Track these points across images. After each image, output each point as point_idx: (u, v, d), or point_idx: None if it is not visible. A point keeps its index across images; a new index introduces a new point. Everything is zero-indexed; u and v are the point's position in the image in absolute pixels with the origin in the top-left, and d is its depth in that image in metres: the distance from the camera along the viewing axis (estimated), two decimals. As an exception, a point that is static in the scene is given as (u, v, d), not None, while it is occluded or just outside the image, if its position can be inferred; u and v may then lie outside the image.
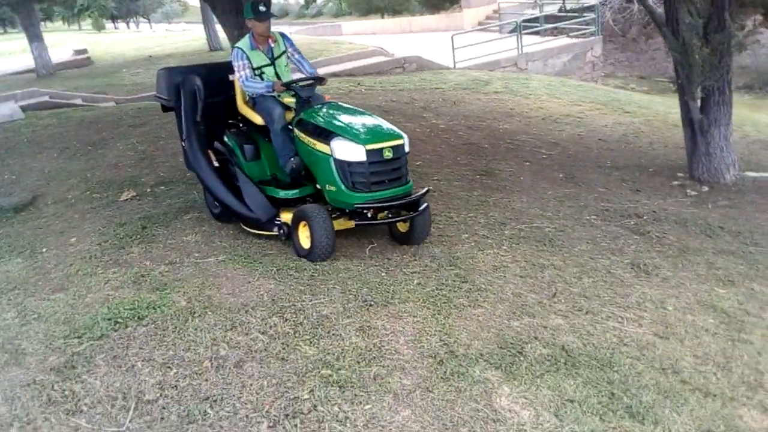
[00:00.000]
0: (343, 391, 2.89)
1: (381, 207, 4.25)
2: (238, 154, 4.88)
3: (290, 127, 4.62)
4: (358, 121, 4.42)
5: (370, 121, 4.48)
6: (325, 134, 4.24)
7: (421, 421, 2.70)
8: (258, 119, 4.82)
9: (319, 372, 3.03)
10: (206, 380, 3.00)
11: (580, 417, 2.72)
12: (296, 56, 5.03)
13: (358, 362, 3.11)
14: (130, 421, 2.73)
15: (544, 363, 3.11)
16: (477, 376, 2.99)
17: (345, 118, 4.42)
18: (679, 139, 7.49)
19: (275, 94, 4.75)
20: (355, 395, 2.87)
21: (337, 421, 2.71)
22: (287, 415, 2.75)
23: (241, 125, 5.11)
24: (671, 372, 3.10)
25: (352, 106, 4.75)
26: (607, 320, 3.58)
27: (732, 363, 3.22)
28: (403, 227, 4.54)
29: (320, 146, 4.26)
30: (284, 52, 4.95)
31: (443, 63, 15.09)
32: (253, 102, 4.87)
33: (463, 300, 3.73)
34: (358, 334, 3.37)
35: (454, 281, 3.95)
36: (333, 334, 3.37)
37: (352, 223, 4.43)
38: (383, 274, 4.07)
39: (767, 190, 6.30)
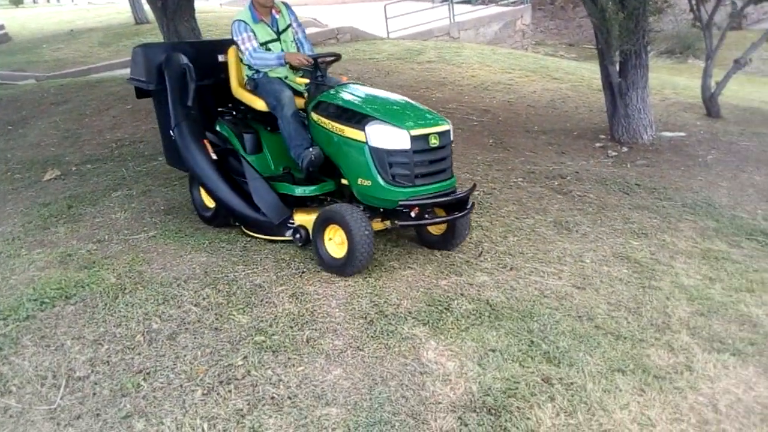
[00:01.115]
0: (277, 356, 2.97)
1: (427, 205, 3.65)
2: (236, 146, 4.25)
3: (301, 113, 4.10)
4: (394, 104, 3.83)
5: (407, 103, 3.89)
6: (358, 118, 3.63)
7: (351, 378, 2.80)
8: (260, 104, 4.20)
9: (253, 339, 3.09)
10: (139, 354, 3.01)
11: (501, 364, 2.89)
12: (299, 35, 4.48)
13: (291, 327, 3.18)
14: (61, 399, 2.72)
15: (470, 317, 3.27)
16: (405, 332, 3.12)
17: (378, 100, 3.84)
18: (603, 103, 7.78)
19: (281, 75, 4.24)
20: (288, 358, 2.95)
21: (271, 384, 2.78)
22: (221, 382, 2.80)
23: (234, 112, 4.49)
24: (586, 319, 3.32)
25: (377, 89, 4.14)
26: (529, 275, 3.77)
27: (642, 308, 3.46)
28: (437, 230, 4.02)
29: (350, 132, 3.64)
30: (289, 26, 4.41)
31: (377, 33, 15.03)
32: (254, 85, 4.29)
33: (394, 263, 3.84)
34: (291, 300, 3.43)
35: (385, 245, 4.06)
36: (266, 302, 3.42)
37: (382, 225, 3.90)
38: (316, 242, 4.12)
39: (681, 149, 6.66)
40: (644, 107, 6.82)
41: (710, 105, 8.46)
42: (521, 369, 2.86)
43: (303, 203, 4.08)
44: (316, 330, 3.16)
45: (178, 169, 4.81)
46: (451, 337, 3.09)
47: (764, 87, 13.45)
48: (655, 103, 9.30)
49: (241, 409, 2.63)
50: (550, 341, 3.08)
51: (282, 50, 4.26)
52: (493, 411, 2.59)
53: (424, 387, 2.74)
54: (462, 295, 3.49)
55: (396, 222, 3.76)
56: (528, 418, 2.55)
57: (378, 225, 3.88)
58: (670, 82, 11.66)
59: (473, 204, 3.82)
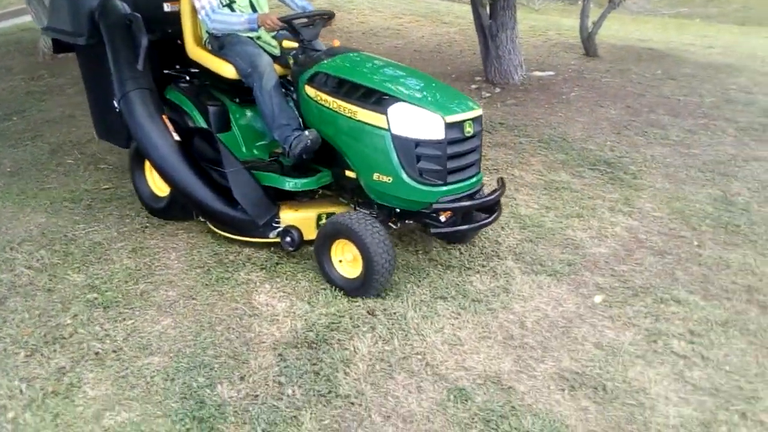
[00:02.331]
0: (107, 311, 2.94)
1: (464, 208, 3.04)
2: (198, 123, 3.48)
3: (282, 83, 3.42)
4: (417, 81, 3.14)
5: (430, 81, 3.20)
6: (376, 97, 2.95)
7: (180, 327, 2.82)
8: (228, 70, 3.38)
9: (85, 297, 3.05)
10: (-38, 322, 2.91)
11: (330, 301, 2.99)
12: None
13: (126, 282, 3.16)
14: None
15: (309, 260, 3.33)
16: (241, 278, 3.16)
17: (399, 74, 3.15)
18: (482, 45, 7.92)
19: (258, 34, 3.48)
20: (119, 313, 2.93)
21: (98, 339, 2.76)
22: (47, 342, 2.76)
23: (187, 77, 3.71)
24: (422, 253, 3.46)
25: (389, 60, 3.39)
26: (376, 215, 3.86)
27: (476, 239, 3.63)
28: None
29: (365, 115, 2.95)
30: None
31: (269, -20, 14.54)
32: (219, 45, 3.47)
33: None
34: (130, 255, 3.39)
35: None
36: (104, 259, 3.37)
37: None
38: (165, 196, 4.05)
39: (549, 87, 6.91)
40: (514, 48, 6.98)
41: (588, 45, 8.74)
42: (348, 304, 2.97)
43: (289, 197, 3.40)
44: (151, 283, 3.15)
45: (116, 145, 4.13)
46: (286, 280, 3.16)
47: (645, 25, 14.04)
48: (537, 44, 9.56)
49: (63, 367, 2.61)
50: (383, 276, 3.20)
51: (251, 3, 3.54)
52: (314, 345, 2.69)
53: (250, 329, 2.81)
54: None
55: (406, 222, 3.25)
56: (345, 349, 2.67)
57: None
58: (556, 23, 11.96)
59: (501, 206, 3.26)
